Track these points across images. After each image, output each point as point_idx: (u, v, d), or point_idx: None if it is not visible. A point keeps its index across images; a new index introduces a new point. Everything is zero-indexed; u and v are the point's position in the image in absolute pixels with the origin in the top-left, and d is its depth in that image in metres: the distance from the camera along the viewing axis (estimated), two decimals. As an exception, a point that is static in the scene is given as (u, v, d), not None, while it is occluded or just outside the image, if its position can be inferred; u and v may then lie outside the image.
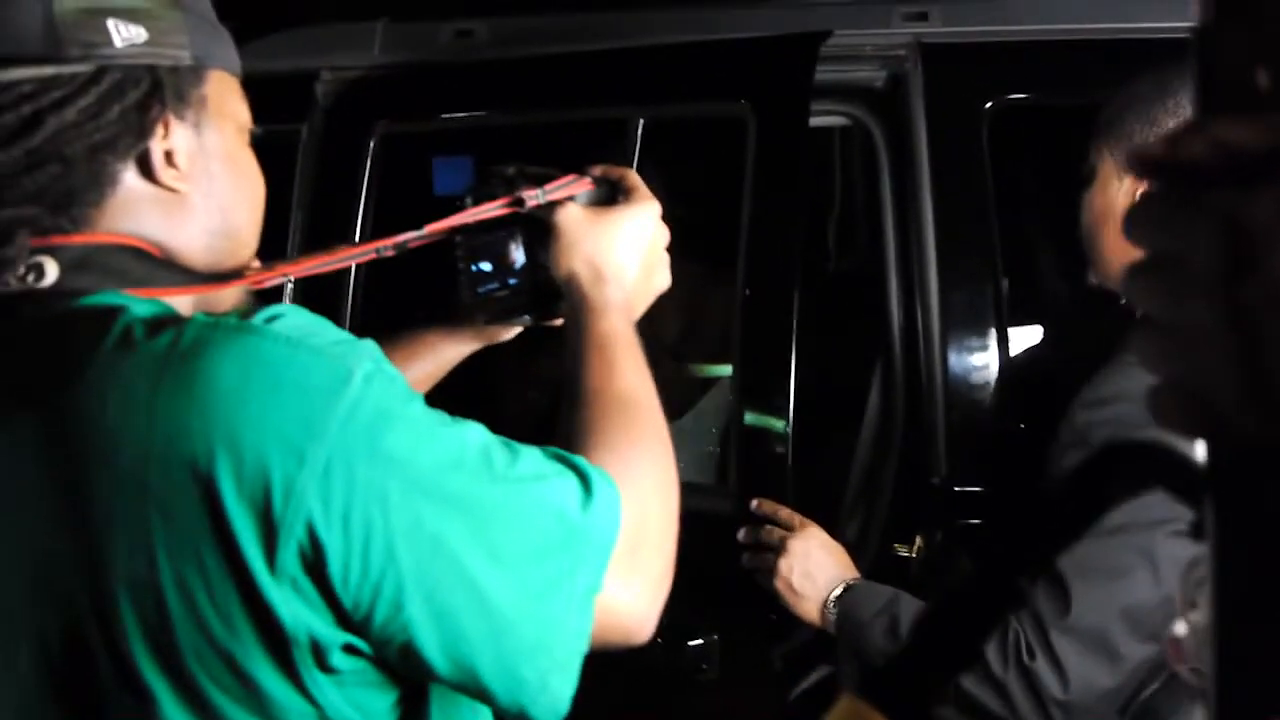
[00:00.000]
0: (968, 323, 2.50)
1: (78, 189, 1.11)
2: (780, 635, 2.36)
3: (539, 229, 1.46)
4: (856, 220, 3.44)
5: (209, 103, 1.20)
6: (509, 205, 1.44)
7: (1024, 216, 3.00)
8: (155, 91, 1.14)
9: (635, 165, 2.51)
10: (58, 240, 1.11)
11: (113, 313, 1.06)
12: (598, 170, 1.51)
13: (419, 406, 1.07)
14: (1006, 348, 2.50)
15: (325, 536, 0.99)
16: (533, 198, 1.43)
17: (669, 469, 1.27)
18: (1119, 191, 1.78)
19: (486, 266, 1.50)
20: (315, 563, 1.00)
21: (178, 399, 0.98)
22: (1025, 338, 2.69)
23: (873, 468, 2.97)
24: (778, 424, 2.34)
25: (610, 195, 1.49)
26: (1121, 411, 1.62)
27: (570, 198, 1.46)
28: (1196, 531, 1.53)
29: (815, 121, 2.79)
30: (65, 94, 1.09)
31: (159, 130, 1.15)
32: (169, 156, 1.16)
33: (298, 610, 1.01)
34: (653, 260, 1.46)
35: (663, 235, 1.48)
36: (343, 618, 1.03)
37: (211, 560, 0.99)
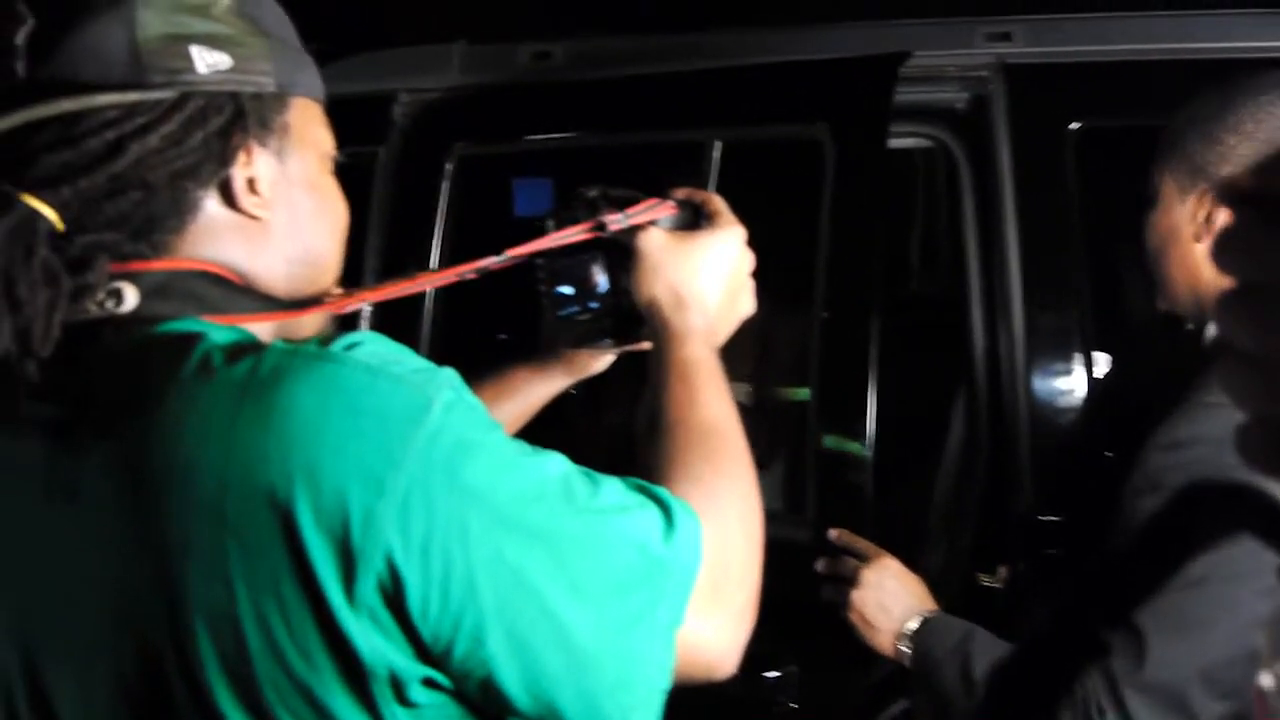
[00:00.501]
0: (1052, 348, 2.46)
1: (159, 215, 1.10)
2: (861, 667, 2.32)
3: (621, 252, 1.44)
4: (939, 243, 3.41)
5: (292, 130, 1.19)
6: (591, 230, 1.42)
7: (1110, 239, 2.95)
8: (238, 118, 1.13)
9: (713, 187, 2.49)
10: (138, 266, 1.10)
11: (191, 339, 1.05)
12: (681, 193, 1.48)
13: (499, 435, 1.05)
14: (1092, 374, 2.45)
15: (404, 569, 0.97)
16: (615, 222, 1.41)
17: (753, 500, 1.24)
18: (1182, 213, 1.72)
19: (568, 290, 1.49)
20: (394, 595, 0.98)
21: (256, 428, 0.97)
22: (1112, 363, 2.63)
23: (956, 494, 2.93)
24: (857, 449, 2.30)
25: (694, 219, 1.47)
26: (1198, 455, 1.55)
27: (652, 222, 1.44)
28: None
29: (897, 143, 2.77)
30: (148, 120, 1.08)
31: (241, 157, 1.14)
32: (250, 184, 1.15)
33: (376, 643, 0.99)
34: (736, 286, 1.44)
35: (747, 260, 1.45)
36: (422, 651, 1.01)
37: (289, 591, 0.97)
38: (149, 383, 1.03)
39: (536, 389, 1.63)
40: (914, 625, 1.89)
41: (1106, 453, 2.38)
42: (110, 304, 1.08)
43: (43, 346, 1.02)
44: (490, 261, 1.39)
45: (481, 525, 1.00)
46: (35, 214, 1.04)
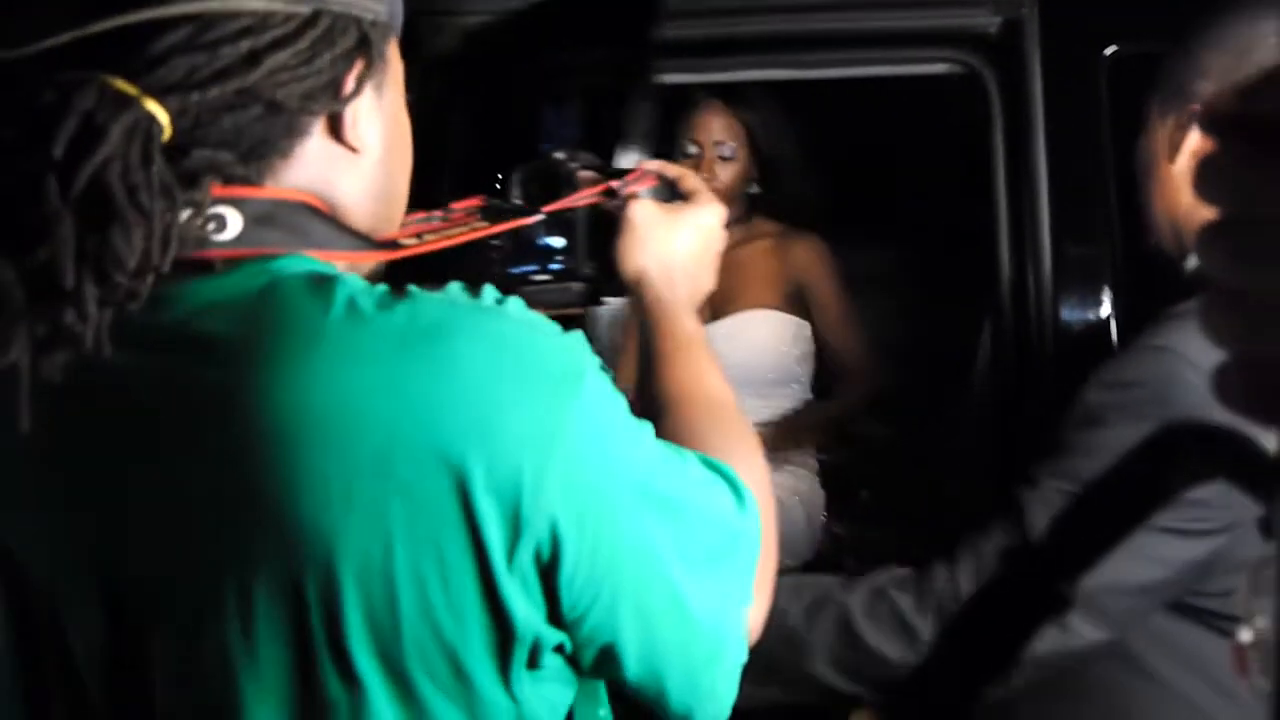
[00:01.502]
0: (1081, 280, 2.42)
1: (273, 138, 1.04)
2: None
3: (601, 219, 1.46)
4: (972, 173, 3.37)
5: (389, 64, 1.15)
6: (601, 195, 1.45)
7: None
8: (361, 45, 1.08)
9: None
10: (243, 192, 1.03)
11: (326, 280, 1.00)
12: (653, 166, 1.51)
13: (626, 404, 1.06)
14: (1121, 306, 2.41)
15: (564, 537, 0.96)
16: (621, 188, 1.45)
17: (766, 470, 1.25)
18: (1161, 135, 1.68)
19: (559, 242, 1.49)
20: (550, 562, 0.97)
21: (426, 382, 0.94)
22: (1142, 296, 2.59)
23: (983, 426, 2.91)
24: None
25: (668, 194, 1.49)
26: (1139, 397, 1.53)
27: (634, 194, 1.46)
28: (1265, 529, 1.44)
29: (929, 70, 2.73)
30: (282, 34, 1.01)
31: (356, 85, 1.09)
32: (355, 114, 1.10)
33: (527, 609, 0.98)
34: (710, 263, 1.48)
35: (721, 239, 1.49)
36: (556, 617, 1.00)
37: (452, 553, 0.95)
38: (291, 323, 0.97)
39: None
40: None
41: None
42: (211, 228, 1.01)
43: (164, 262, 0.95)
44: (532, 218, 1.41)
45: (622, 495, 1.00)
46: (152, 118, 0.95)
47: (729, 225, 3.22)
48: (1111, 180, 2.42)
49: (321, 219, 1.08)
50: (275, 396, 0.94)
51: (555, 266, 1.48)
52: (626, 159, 2.32)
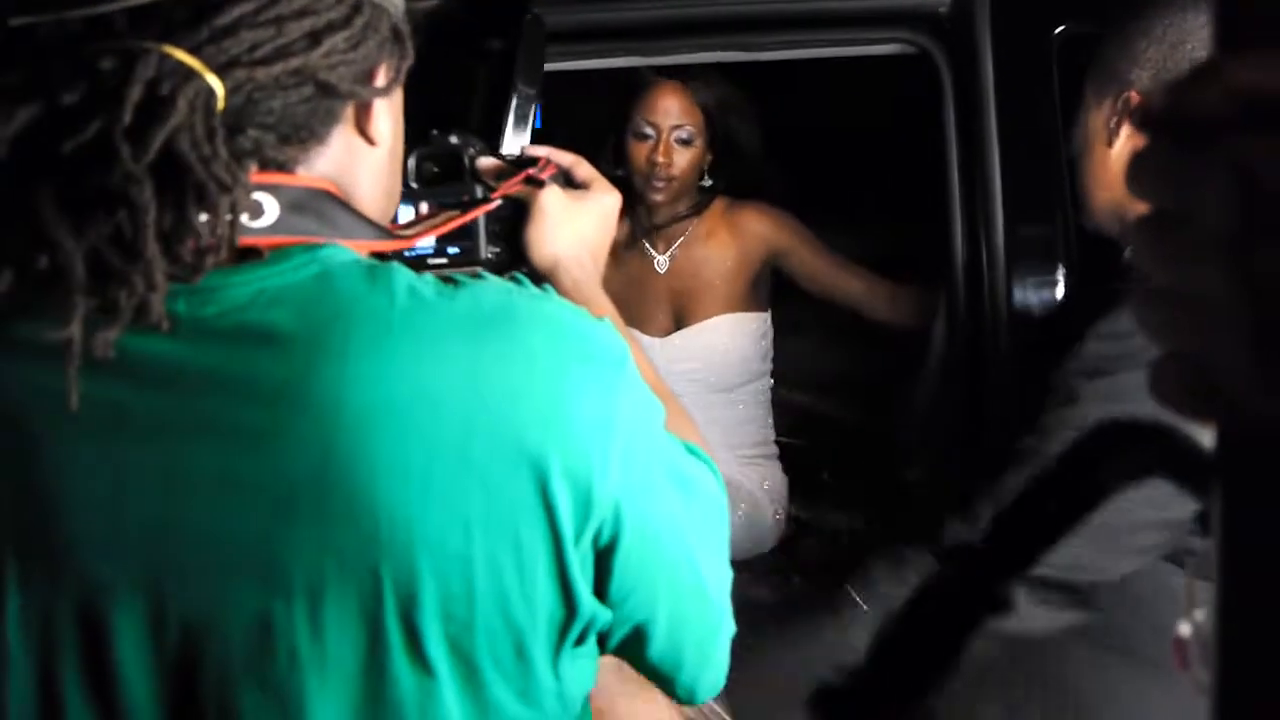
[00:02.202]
0: (1034, 259, 2.43)
1: (314, 123, 1.03)
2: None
3: (507, 207, 1.48)
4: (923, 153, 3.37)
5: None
6: (527, 182, 1.47)
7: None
8: (395, 37, 1.09)
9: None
10: (278, 179, 1.02)
11: (379, 269, 1.00)
12: (541, 151, 1.53)
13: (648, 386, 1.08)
14: (1074, 285, 2.42)
15: (623, 518, 0.99)
16: (537, 174, 1.48)
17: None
18: (1097, 119, 1.71)
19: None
20: (609, 546, 0.99)
21: (499, 370, 0.95)
22: (1095, 275, 2.60)
23: (940, 405, 2.91)
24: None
25: (564, 181, 1.53)
26: (1140, 345, 1.56)
27: (540, 181, 1.49)
28: (1202, 525, 1.47)
29: (880, 50, 2.72)
30: (336, 17, 1.00)
31: (395, 77, 1.10)
32: (378, 108, 1.09)
33: (586, 592, 1.00)
34: (606, 247, 1.51)
35: (615, 225, 1.53)
36: (603, 596, 1.02)
37: (528, 538, 0.96)
38: (357, 312, 0.97)
39: None
40: None
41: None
42: (246, 214, 0.99)
43: (234, 238, 0.95)
44: (487, 206, 1.44)
45: (660, 475, 1.03)
46: (212, 92, 0.92)
47: (682, 218, 3.15)
48: (1063, 159, 2.43)
49: (344, 208, 1.08)
50: (352, 386, 0.93)
51: (453, 251, 1.49)
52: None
